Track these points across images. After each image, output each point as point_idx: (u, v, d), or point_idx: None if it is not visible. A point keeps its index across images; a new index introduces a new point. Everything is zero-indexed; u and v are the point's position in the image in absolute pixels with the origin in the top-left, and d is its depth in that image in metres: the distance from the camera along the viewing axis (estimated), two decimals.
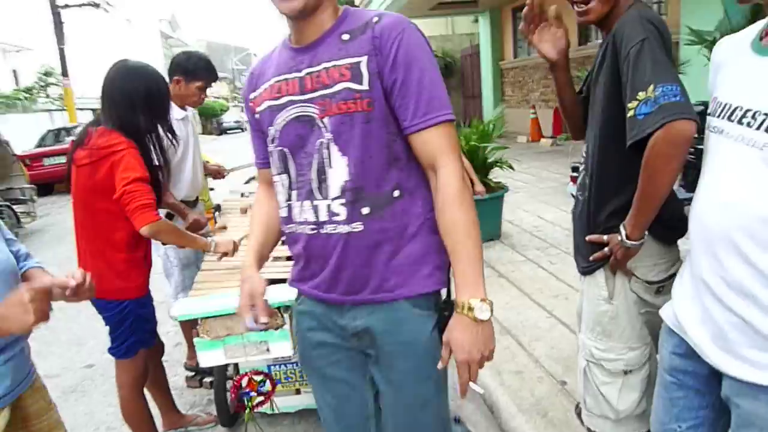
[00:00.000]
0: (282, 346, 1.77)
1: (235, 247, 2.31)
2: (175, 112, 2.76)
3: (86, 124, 2.22)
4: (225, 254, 2.29)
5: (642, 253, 1.50)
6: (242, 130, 33.49)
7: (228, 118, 39.59)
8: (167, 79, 2.69)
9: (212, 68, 2.83)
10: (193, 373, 3.15)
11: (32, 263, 1.51)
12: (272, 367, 2.58)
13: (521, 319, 3.42)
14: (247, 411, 2.04)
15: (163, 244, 2.61)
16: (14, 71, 21.03)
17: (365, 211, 1.22)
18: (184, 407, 2.86)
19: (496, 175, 5.17)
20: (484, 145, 4.83)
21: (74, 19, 15.28)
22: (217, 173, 3.57)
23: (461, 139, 4.86)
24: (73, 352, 3.75)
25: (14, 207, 7.43)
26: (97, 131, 2.07)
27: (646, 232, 1.46)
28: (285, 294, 1.81)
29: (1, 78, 19.24)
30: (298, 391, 2.63)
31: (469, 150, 4.62)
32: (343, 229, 1.24)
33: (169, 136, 2.29)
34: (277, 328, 1.76)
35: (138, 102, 2.08)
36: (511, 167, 5.18)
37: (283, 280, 1.99)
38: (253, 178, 6.14)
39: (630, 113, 1.34)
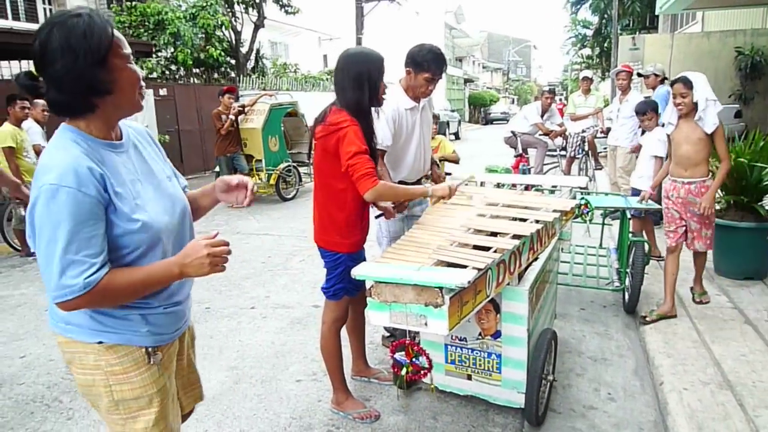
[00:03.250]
0: (438, 323, 1.88)
1: (451, 192, 2.57)
2: (405, 102, 3.02)
3: (327, 105, 2.63)
4: (442, 197, 2.57)
5: None
6: (507, 121, 33.72)
7: (495, 109, 40.21)
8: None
9: (440, 61, 2.90)
10: (389, 334, 3.48)
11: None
12: (449, 347, 2.72)
13: (755, 378, 2.81)
14: (401, 376, 2.22)
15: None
16: (324, 56, 25.16)
17: None
18: (373, 362, 3.21)
19: None
20: (760, 165, 3.98)
21: (373, 11, 17.48)
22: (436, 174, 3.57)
23: (731, 153, 4.10)
24: (308, 292, 4.50)
25: (299, 168, 9.09)
26: (332, 110, 2.47)
27: None
28: (451, 278, 1.89)
29: (315, 61, 23.29)
30: (469, 377, 2.71)
31: (733, 166, 3.88)
32: None
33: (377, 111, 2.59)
34: (436, 306, 1.87)
35: (363, 83, 2.42)
36: None
37: (460, 265, 2.09)
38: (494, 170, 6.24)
39: None
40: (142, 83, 1.40)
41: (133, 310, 1.41)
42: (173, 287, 1.49)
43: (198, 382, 1.79)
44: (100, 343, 1.39)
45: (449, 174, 5.88)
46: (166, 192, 1.47)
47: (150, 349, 1.44)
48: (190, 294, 1.63)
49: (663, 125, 3.94)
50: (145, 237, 1.36)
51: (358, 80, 2.42)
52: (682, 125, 3.49)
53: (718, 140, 3.39)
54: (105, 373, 1.40)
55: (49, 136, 8.05)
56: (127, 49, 1.34)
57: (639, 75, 6.30)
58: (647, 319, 3.57)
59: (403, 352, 2.14)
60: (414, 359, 2.13)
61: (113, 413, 1.44)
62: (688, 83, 3.36)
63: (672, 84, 3.47)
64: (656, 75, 6.03)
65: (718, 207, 4.36)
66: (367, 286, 2.00)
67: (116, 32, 1.32)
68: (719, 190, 4.31)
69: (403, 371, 2.16)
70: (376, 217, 2.95)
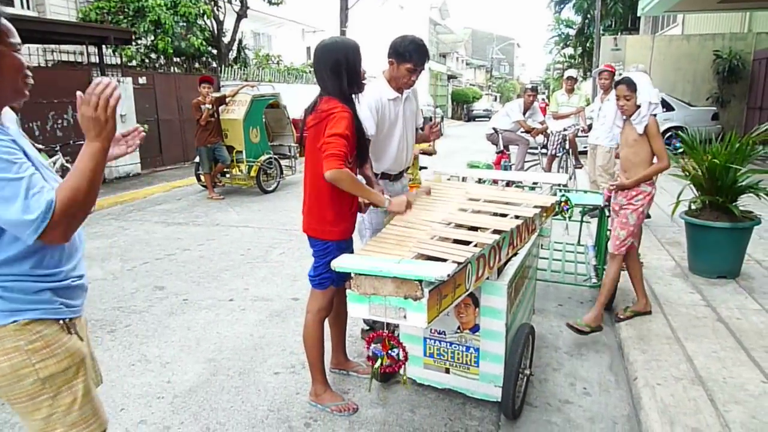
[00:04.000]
0: (417, 316, 1.88)
1: (408, 205, 2.54)
2: (388, 93, 3.02)
3: (317, 96, 2.61)
4: (398, 213, 2.55)
5: None
6: (489, 118, 33.82)
7: (478, 106, 40.37)
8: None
9: (423, 52, 2.91)
10: (368, 328, 3.48)
11: None
12: (427, 340, 2.72)
13: (725, 374, 2.88)
14: (374, 368, 2.22)
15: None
16: (308, 48, 24.96)
17: None
18: (352, 355, 3.20)
19: (747, 203, 4.32)
20: (735, 166, 4.06)
21: (357, 5, 17.36)
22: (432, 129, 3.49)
23: (708, 155, 4.18)
24: (287, 284, 4.48)
25: (281, 160, 9.01)
26: (323, 99, 2.48)
27: None
28: (431, 271, 1.90)
29: (298, 53, 23.10)
30: (447, 371, 2.73)
31: (709, 168, 3.96)
32: None
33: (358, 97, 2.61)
34: (416, 299, 1.87)
35: (341, 71, 2.44)
36: None
37: (440, 259, 2.09)
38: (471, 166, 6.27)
39: None
40: (28, 72, 1.44)
41: (44, 284, 1.42)
42: (74, 261, 1.52)
43: (97, 365, 1.75)
44: (15, 322, 1.38)
45: (425, 168, 5.91)
46: (53, 175, 1.52)
47: (66, 320, 1.48)
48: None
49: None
50: None
51: (336, 68, 2.44)
52: (626, 127, 3.47)
53: (652, 140, 3.32)
54: (26, 352, 1.39)
55: (23, 121, 7.79)
56: (15, 39, 1.39)
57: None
58: (620, 316, 3.62)
59: (380, 344, 2.14)
60: (390, 351, 2.13)
61: (38, 396, 1.43)
62: (632, 85, 3.32)
63: (616, 85, 3.41)
64: None
65: (693, 207, 4.44)
66: None
67: (5, 22, 1.38)
68: (695, 190, 4.40)
69: (378, 363, 2.16)
70: (366, 205, 2.97)
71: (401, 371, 2.46)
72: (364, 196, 2.51)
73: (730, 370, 2.92)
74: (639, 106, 3.33)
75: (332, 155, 2.30)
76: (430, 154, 4.10)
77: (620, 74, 6.60)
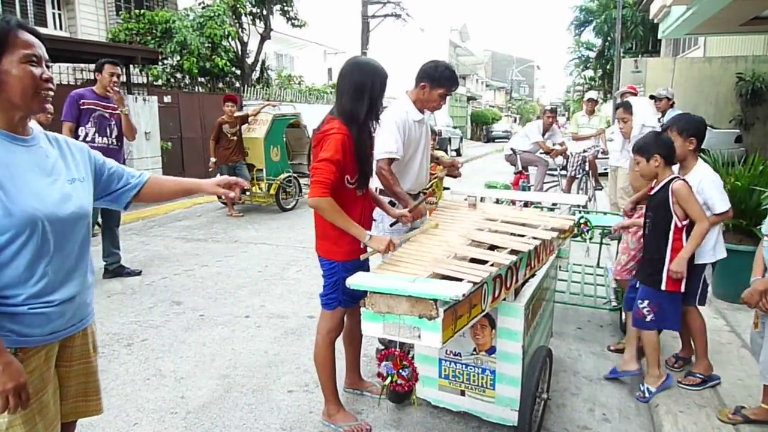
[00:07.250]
0: (431, 336, 1.86)
1: (390, 246, 2.37)
2: (414, 114, 3.06)
3: (327, 114, 2.63)
4: (377, 251, 2.39)
5: None
6: (508, 139, 33.81)
7: (498, 127, 40.42)
8: (416, 84, 3.04)
9: (455, 78, 3.01)
10: (383, 347, 3.45)
11: (145, 177, 1.77)
12: (443, 361, 2.69)
13: (751, 403, 2.78)
14: (384, 385, 2.20)
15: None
16: (329, 69, 25.36)
17: None
18: (367, 375, 3.17)
19: None
20: (759, 188, 3.99)
21: (378, 27, 17.65)
22: (452, 167, 3.70)
23: (730, 177, 4.12)
24: (303, 302, 4.48)
25: (300, 179, 9.10)
26: (326, 119, 2.49)
27: None
28: (446, 290, 1.88)
29: (320, 74, 23.46)
30: (462, 393, 2.68)
31: (732, 190, 3.89)
32: None
33: (374, 124, 2.57)
34: (430, 318, 1.85)
35: (364, 94, 2.41)
36: None
37: (456, 278, 2.08)
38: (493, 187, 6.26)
39: None
40: (49, 85, 1.43)
41: None
42: (47, 287, 1.43)
43: (96, 394, 1.68)
44: None
45: (447, 188, 5.91)
46: (60, 189, 1.48)
47: (8, 350, 1.35)
48: (82, 296, 1.55)
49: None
50: (8, 222, 1.34)
51: (359, 90, 2.42)
52: None
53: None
54: None
55: None
56: (29, 50, 1.39)
57: (652, 97, 6.36)
58: (611, 348, 3.63)
59: (391, 363, 2.12)
60: (400, 371, 2.11)
61: None
62: (628, 108, 3.44)
63: (617, 108, 3.39)
64: (668, 99, 6.10)
65: None
66: None
67: (22, 34, 1.39)
68: None
69: (388, 380, 2.14)
70: (391, 225, 2.97)
71: (413, 392, 2.44)
72: (343, 227, 2.39)
73: (755, 398, 2.82)
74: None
75: (317, 182, 2.30)
76: (455, 176, 4.12)
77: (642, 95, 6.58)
